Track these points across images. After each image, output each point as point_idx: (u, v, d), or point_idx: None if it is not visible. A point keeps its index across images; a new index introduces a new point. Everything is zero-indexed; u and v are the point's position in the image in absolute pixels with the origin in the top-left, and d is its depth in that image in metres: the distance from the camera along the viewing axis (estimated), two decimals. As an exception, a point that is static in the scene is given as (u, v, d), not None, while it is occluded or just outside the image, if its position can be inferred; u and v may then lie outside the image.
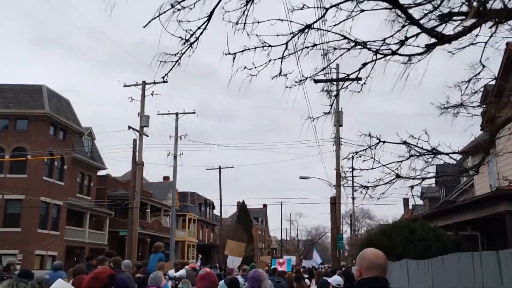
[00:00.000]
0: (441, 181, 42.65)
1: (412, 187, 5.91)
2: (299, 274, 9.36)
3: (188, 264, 14.92)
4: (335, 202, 25.95)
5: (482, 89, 19.18)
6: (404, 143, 5.29)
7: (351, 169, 51.07)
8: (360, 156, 5.50)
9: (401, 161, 5.29)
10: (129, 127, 27.67)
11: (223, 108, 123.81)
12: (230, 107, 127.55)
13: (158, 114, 35.04)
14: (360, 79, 24.18)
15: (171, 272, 11.58)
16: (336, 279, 7.96)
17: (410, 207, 59.21)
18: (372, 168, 5.36)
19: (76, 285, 4.78)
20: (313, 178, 31.96)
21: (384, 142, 5.31)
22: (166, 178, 56.42)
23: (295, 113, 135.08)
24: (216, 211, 61.52)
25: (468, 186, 28.52)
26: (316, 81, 27.88)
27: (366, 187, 5.35)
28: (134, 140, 27.55)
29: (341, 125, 27.40)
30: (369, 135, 5.26)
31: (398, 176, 5.25)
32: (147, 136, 28.85)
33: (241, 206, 66.48)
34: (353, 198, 51.85)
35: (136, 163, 27.35)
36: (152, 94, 28.99)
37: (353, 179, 49.74)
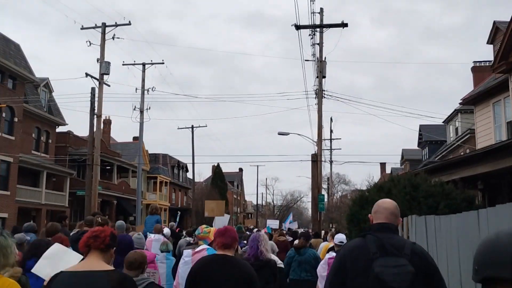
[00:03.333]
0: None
1: None
2: (305, 232, 9.38)
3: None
4: (316, 160, 23.56)
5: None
6: None
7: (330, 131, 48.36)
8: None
9: None
10: (87, 74, 24.39)
11: (185, 76, 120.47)
12: (192, 76, 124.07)
13: (123, 65, 31.77)
14: (346, 24, 20.73)
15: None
16: (339, 237, 7.66)
17: (389, 171, 57.57)
18: None
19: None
20: (292, 135, 29.50)
21: None
22: (136, 138, 53.21)
23: (256, 82, 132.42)
24: (190, 175, 58.86)
25: (460, 143, 26.49)
26: (298, 27, 24.35)
27: None
28: (93, 89, 24.34)
29: (324, 77, 24.87)
30: None
31: None
32: (108, 85, 25.64)
33: (216, 169, 64.09)
34: (331, 162, 49.98)
35: (95, 115, 24.24)
36: (113, 38, 25.61)
37: (331, 141, 47.78)
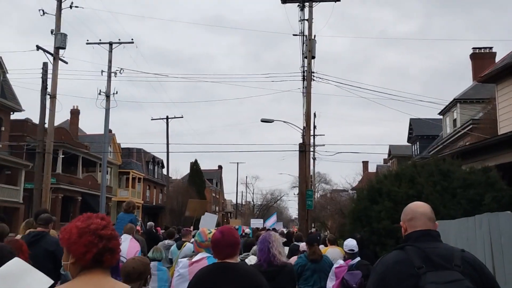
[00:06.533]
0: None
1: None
2: (312, 236, 7.96)
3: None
4: (304, 150, 20.51)
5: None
6: None
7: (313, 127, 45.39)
8: None
9: None
10: (38, 47, 20.86)
11: (150, 78, 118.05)
12: (157, 78, 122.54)
13: (87, 43, 28.32)
14: (338, -4, 16.34)
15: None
16: (349, 244, 6.82)
17: (375, 169, 54.77)
18: None
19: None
20: (277, 125, 26.39)
21: None
22: (109, 131, 49.59)
23: (224, 84, 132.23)
24: (166, 171, 55.29)
25: (465, 132, 23.75)
26: (284, 1, 20.70)
27: None
28: (45, 64, 20.85)
29: (313, 57, 22.01)
30: None
31: None
32: (66, 62, 22.11)
33: (194, 166, 60.55)
34: (314, 159, 47.01)
35: (48, 94, 20.74)
36: (71, 7, 22.08)
37: (314, 138, 44.76)
